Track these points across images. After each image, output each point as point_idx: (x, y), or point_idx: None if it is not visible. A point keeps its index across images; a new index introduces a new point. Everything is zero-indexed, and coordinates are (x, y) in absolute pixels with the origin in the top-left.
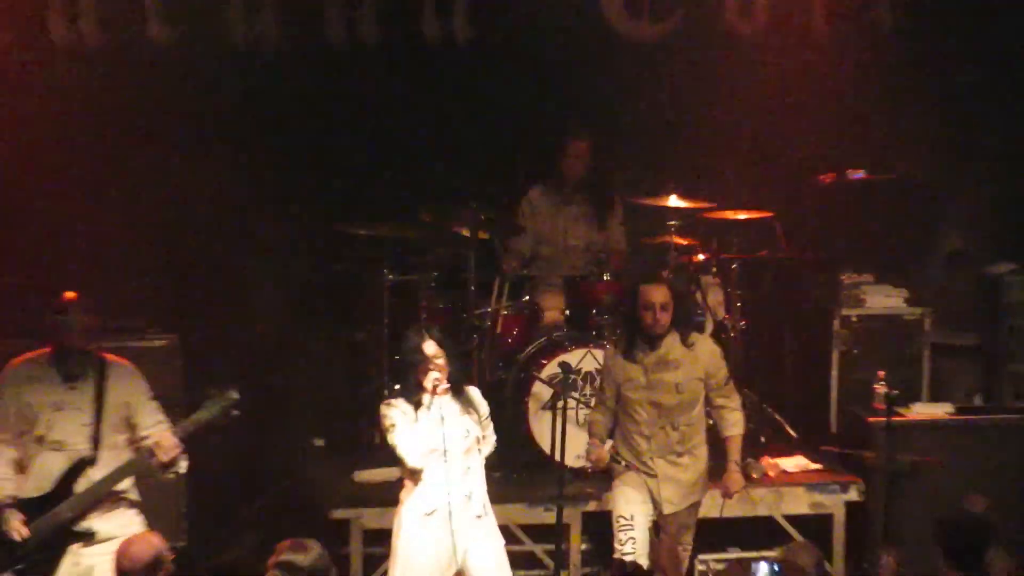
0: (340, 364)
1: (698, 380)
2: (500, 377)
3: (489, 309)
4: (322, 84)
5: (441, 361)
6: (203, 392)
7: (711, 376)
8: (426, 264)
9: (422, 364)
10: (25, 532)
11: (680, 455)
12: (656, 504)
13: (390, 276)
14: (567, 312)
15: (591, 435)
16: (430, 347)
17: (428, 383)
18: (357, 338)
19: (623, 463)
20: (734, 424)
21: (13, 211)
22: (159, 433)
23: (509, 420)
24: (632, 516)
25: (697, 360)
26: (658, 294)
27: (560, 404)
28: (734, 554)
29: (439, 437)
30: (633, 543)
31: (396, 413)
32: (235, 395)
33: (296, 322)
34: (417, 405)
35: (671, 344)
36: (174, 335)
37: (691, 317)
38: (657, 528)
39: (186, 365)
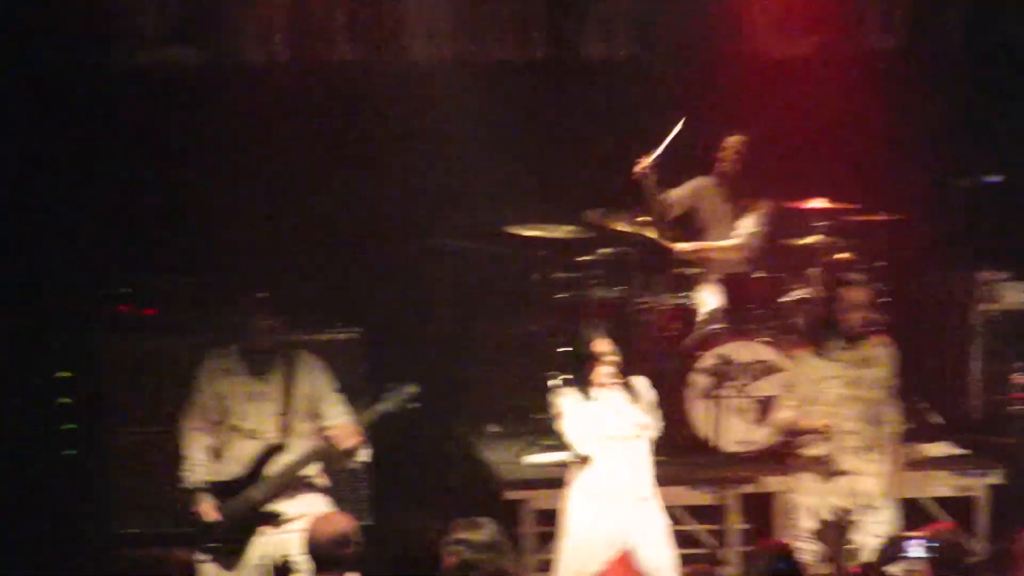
0: (514, 356)
1: (889, 377)
2: (663, 367)
3: (650, 303)
4: (496, 98)
5: (612, 358)
6: (384, 385)
7: (892, 375)
8: (592, 262)
9: (594, 360)
10: (215, 515)
11: (872, 450)
12: (844, 499)
13: (558, 273)
14: (725, 305)
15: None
16: (602, 344)
17: (599, 378)
18: (530, 331)
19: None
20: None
21: (211, 211)
22: (342, 423)
23: (671, 407)
24: (818, 511)
25: (890, 358)
26: (861, 295)
27: (719, 392)
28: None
29: (607, 425)
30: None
31: (566, 402)
32: (414, 389)
33: (472, 317)
34: (587, 395)
35: (867, 342)
36: (359, 329)
37: (855, 317)
38: (837, 525)
39: (369, 359)
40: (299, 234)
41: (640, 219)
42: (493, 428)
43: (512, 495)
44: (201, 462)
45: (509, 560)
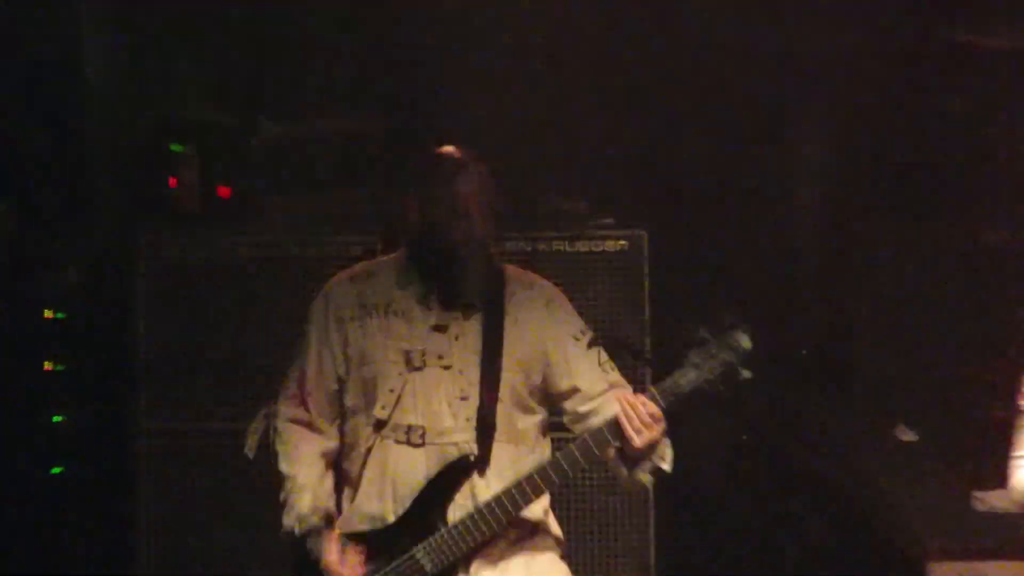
0: None
1: None
2: None
3: None
4: None
5: None
6: (690, 333)
7: None
8: None
9: None
10: (361, 572)
11: None
12: None
13: None
14: None
15: None
16: None
17: None
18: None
19: None
20: None
21: None
22: (615, 401)
23: None
24: None
25: None
26: None
27: None
28: None
29: None
30: None
31: None
32: (746, 342)
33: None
34: None
35: None
36: (640, 231)
37: None
38: None
39: (660, 284)
40: None
41: None
42: (907, 436)
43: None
44: (317, 482)
45: None
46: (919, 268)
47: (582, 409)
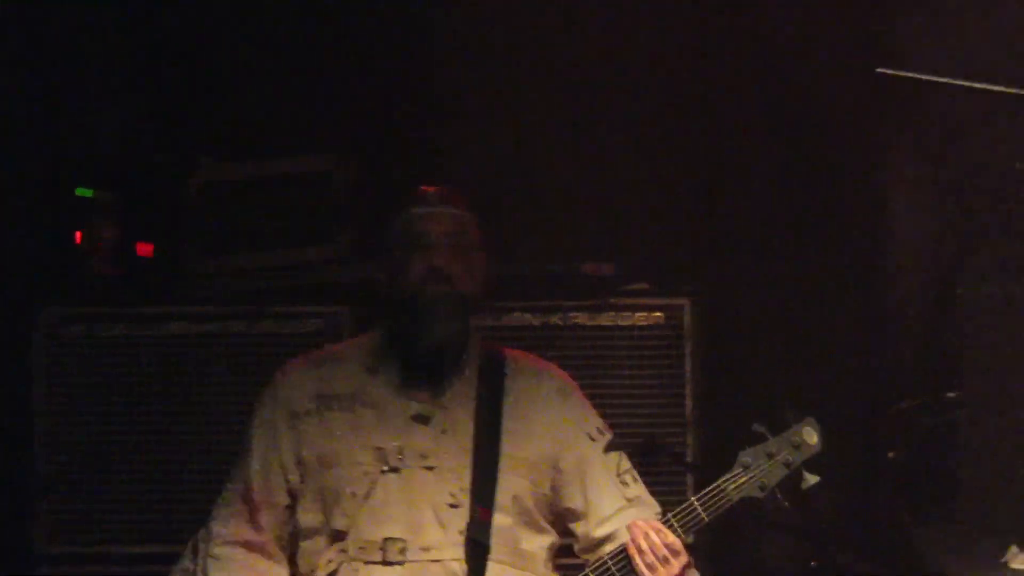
0: None
1: None
2: None
3: None
4: None
5: None
6: (742, 429)
7: None
8: None
9: None
10: None
11: None
12: None
13: None
14: None
15: None
16: None
17: None
18: None
19: None
20: None
21: None
22: (632, 525)
23: None
24: None
25: None
26: None
27: None
28: None
29: None
30: None
31: None
32: (812, 438)
33: None
34: None
35: None
36: (680, 300)
37: None
38: None
39: (706, 367)
40: None
41: None
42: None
43: None
44: None
45: None
46: None
47: (596, 534)
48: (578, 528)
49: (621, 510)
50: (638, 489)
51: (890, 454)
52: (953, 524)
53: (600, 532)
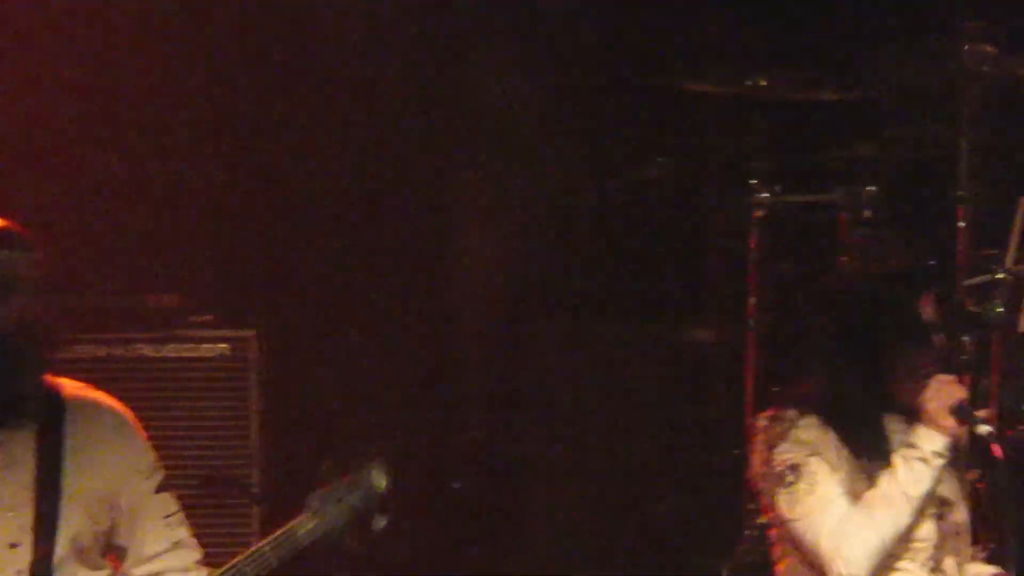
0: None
1: None
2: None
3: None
4: None
5: None
6: (310, 467)
7: None
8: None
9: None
10: None
11: None
12: None
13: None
14: None
15: None
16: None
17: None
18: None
19: None
20: None
21: None
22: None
23: None
24: None
25: None
26: None
27: None
28: None
29: None
30: None
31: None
32: (380, 481)
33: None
34: None
35: None
36: (246, 332)
37: None
38: None
39: (273, 398)
40: None
41: None
42: None
43: None
44: None
45: None
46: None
47: (135, 573)
48: (122, 567)
49: (166, 551)
50: (182, 534)
51: (456, 484)
52: None
53: (139, 572)
